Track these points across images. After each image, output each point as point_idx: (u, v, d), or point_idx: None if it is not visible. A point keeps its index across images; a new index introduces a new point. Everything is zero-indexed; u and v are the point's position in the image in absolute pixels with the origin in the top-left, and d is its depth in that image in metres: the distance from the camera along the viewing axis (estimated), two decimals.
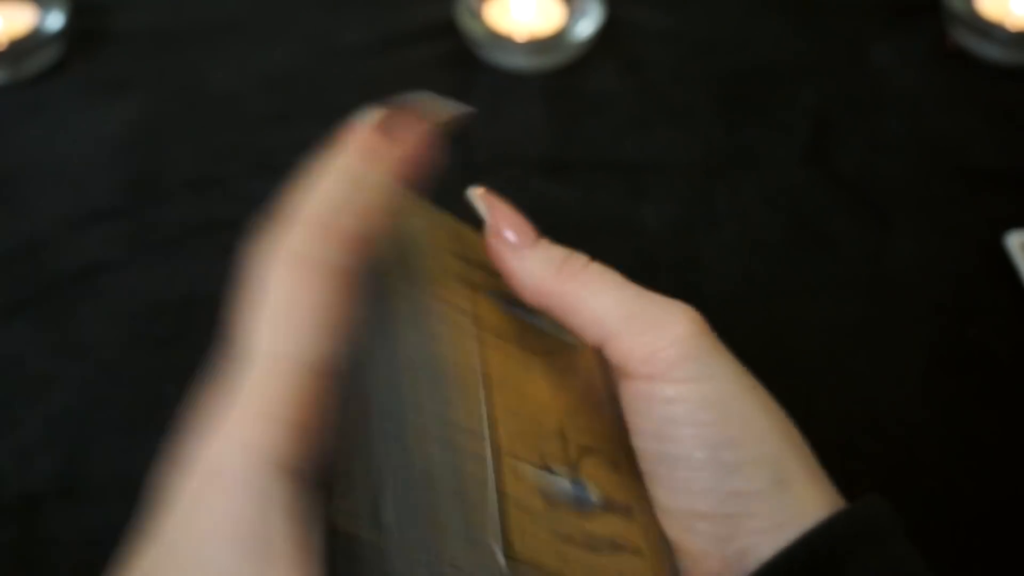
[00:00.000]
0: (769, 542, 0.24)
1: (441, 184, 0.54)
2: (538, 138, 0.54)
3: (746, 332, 0.45)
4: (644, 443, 0.26)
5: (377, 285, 0.27)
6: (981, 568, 0.37)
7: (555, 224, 0.49)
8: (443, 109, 0.28)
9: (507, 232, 0.28)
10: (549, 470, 0.27)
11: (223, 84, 0.57)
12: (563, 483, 0.27)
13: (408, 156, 0.27)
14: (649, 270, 0.48)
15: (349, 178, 0.25)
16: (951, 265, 0.48)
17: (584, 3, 0.59)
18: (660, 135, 0.55)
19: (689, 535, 0.26)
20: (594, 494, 0.27)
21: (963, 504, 0.39)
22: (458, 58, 0.59)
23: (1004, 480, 0.40)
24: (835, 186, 0.52)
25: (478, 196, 0.30)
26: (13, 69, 0.56)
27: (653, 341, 0.25)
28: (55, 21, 0.57)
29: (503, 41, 0.57)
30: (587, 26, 0.58)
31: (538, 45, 0.57)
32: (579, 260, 0.28)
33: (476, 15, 0.59)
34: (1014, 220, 0.49)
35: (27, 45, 0.56)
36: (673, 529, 0.26)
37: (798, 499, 0.25)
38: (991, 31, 0.57)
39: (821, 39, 0.61)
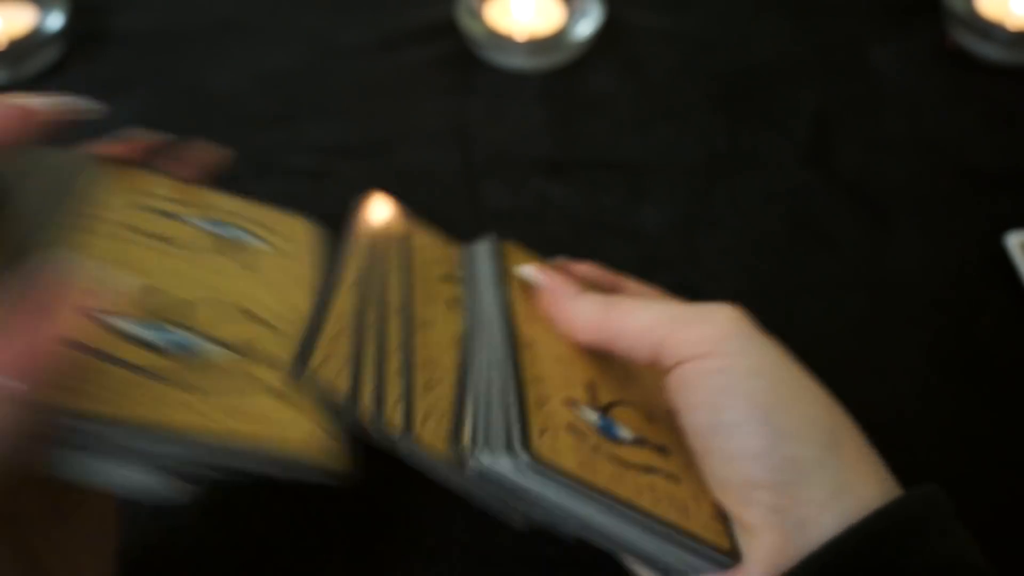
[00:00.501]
0: (829, 512, 0.25)
1: (442, 184, 0.54)
2: (538, 138, 0.54)
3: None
4: (698, 417, 0.28)
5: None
6: None
7: (555, 224, 0.50)
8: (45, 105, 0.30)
9: (560, 288, 0.33)
10: (575, 404, 0.30)
11: (223, 84, 0.57)
12: (591, 414, 0.30)
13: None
14: (649, 270, 0.48)
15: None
16: (951, 265, 0.48)
17: (584, 3, 0.59)
18: (660, 135, 0.55)
19: (748, 507, 0.26)
20: (625, 431, 0.30)
21: (963, 504, 0.39)
22: (458, 58, 0.59)
23: (1005, 480, 0.40)
24: (835, 186, 0.52)
25: (531, 273, 0.35)
26: (13, 69, 0.56)
27: (700, 328, 0.28)
28: (55, 21, 0.57)
29: (503, 41, 0.57)
30: (587, 26, 0.58)
31: (538, 45, 0.57)
32: (618, 296, 0.32)
33: (476, 15, 0.59)
34: (1014, 220, 0.49)
35: (27, 45, 0.56)
36: (732, 502, 0.27)
37: (852, 470, 0.26)
38: (991, 31, 0.57)
39: (821, 39, 0.61)
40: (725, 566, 0.26)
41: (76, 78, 0.58)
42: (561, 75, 0.58)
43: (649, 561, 0.28)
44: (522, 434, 0.27)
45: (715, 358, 0.27)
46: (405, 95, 0.57)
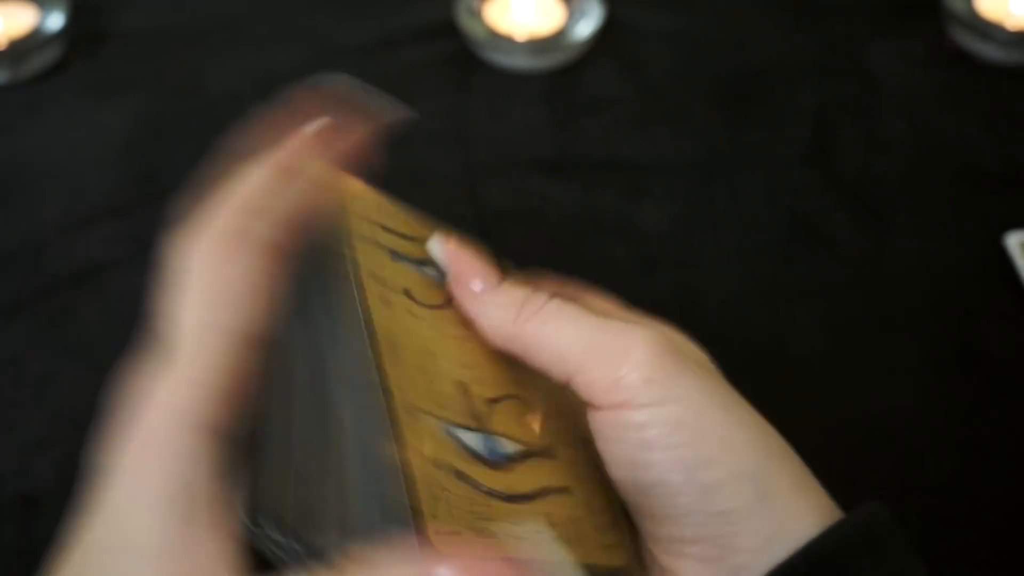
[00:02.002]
0: (762, 559, 0.24)
1: (442, 184, 0.54)
2: (538, 138, 0.54)
3: (746, 332, 0.45)
4: (621, 473, 0.26)
5: (305, 260, 0.27)
6: (981, 567, 0.37)
7: (555, 224, 0.50)
8: (382, 110, 0.29)
9: (469, 281, 0.28)
10: (456, 426, 0.26)
11: (223, 84, 0.57)
12: (471, 437, 0.26)
13: (343, 153, 0.27)
14: (649, 270, 0.48)
15: (279, 168, 0.25)
16: (951, 265, 0.48)
17: (584, 3, 0.59)
18: (660, 135, 0.55)
19: (681, 560, 0.25)
20: (508, 446, 0.27)
21: (963, 504, 0.39)
22: (458, 58, 0.59)
23: (1004, 480, 0.40)
24: (835, 186, 0.52)
25: (439, 247, 0.30)
26: (13, 69, 0.56)
27: (614, 370, 0.25)
28: (55, 21, 0.57)
29: (503, 41, 0.57)
30: (587, 26, 0.58)
31: (538, 45, 0.57)
32: (537, 301, 0.27)
33: (476, 15, 0.59)
34: (1014, 220, 0.49)
35: (27, 45, 0.56)
36: (661, 552, 0.26)
37: (785, 511, 0.24)
38: (991, 31, 0.57)
39: (821, 39, 0.61)
40: None
41: (76, 78, 0.58)
42: (561, 75, 0.58)
43: None
44: (413, 518, 0.22)
45: (632, 411, 0.25)
46: (405, 95, 0.57)
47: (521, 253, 0.43)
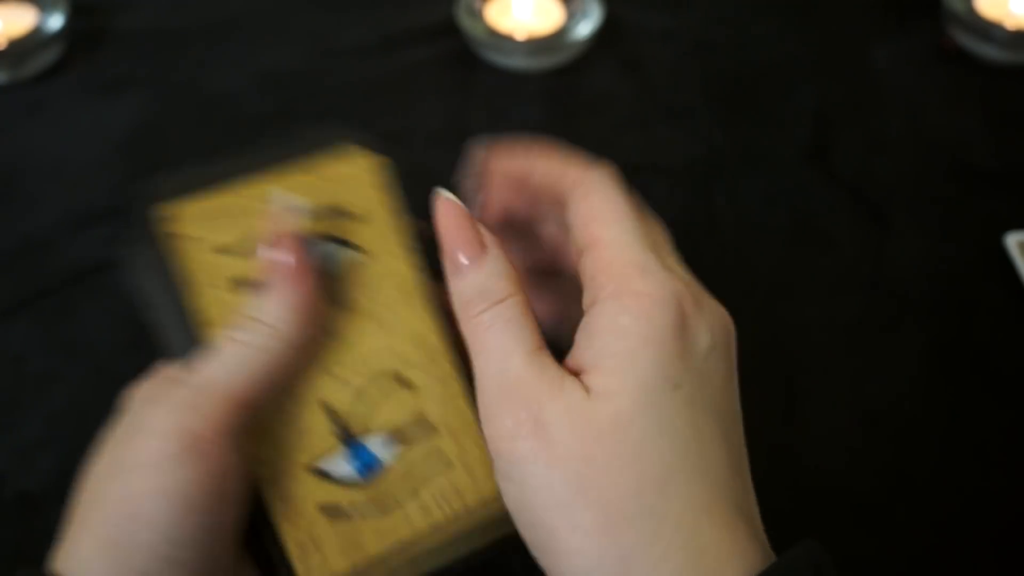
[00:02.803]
0: None
1: (442, 184, 0.54)
2: (538, 138, 0.54)
3: (746, 332, 0.45)
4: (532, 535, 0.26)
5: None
6: (981, 567, 0.37)
7: None
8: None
9: (453, 250, 0.28)
10: (320, 459, 0.28)
11: (223, 84, 0.57)
12: (341, 462, 0.28)
13: None
14: None
15: None
16: (951, 265, 0.48)
17: (584, 3, 0.59)
18: (660, 135, 0.55)
19: None
20: (380, 448, 0.28)
21: (963, 503, 0.39)
22: (458, 58, 0.59)
23: (1004, 479, 0.40)
24: (835, 186, 0.52)
25: (443, 202, 0.29)
26: (13, 69, 0.56)
27: (500, 427, 0.25)
28: (55, 21, 0.57)
29: (503, 41, 0.57)
30: (587, 26, 0.58)
31: (538, 45, 0.57)
32: (489, 298, 0.27)
33: (476, 15, 0.59)
34: (1013, 220, 0.49)
35: (27, 45, 0.56)
36: None
37: (708, 560, 0.24)
38: (990, 31, 0.57)
39: (821, 39, 0.61)
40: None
41: (76, 78, 0.58)
42: (561, 75, 0.58)
43: None
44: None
45: (507, 484, 0.25)
46: (405, 95, 0.57)
47: None
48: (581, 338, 0.26)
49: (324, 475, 0.28)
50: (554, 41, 0.58)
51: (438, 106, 0.56)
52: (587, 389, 0.25)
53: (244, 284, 0.29)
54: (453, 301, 0.28)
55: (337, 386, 0.29)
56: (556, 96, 0.57)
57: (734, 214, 0.50)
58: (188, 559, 0.25)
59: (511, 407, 0.25)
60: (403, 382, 0.29)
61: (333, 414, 0.29)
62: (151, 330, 0.30)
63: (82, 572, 0.24)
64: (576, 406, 0.25)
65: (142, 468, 0.24)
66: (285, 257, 0.28)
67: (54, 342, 0.45)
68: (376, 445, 0.29)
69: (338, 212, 0.31)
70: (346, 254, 0.31)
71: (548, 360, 0.26)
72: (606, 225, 0.28)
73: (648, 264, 0.27)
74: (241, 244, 0.30)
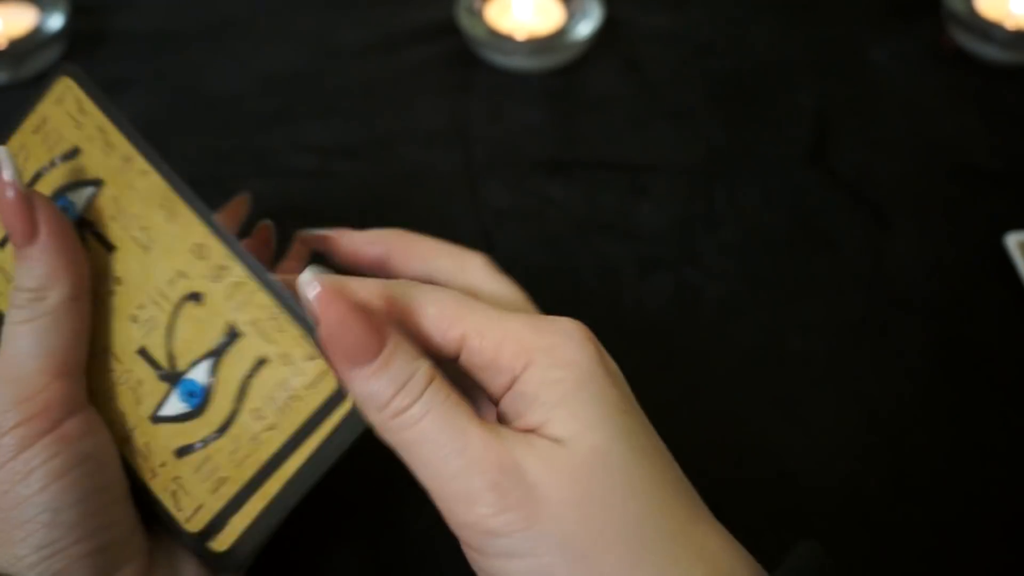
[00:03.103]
0: None
1: (442, 184, 0.54)
2: (538, 138, 0.54)
3: (746, 332, 0.45)
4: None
5: None
6: (982, 567, 0.37)
7: (555, 224, 0.50)
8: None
9: (344, 355, 0.24)
10: (156, 407, 0.29)
11: (223, 84, 0.57)
12: (170, 403, 0.29)
13: None
14: (649, 270, 0.48)
15: None
16: (951, 265, 0.48)
17: (584, 3, 0.59)
18: (660, 135, 0.55)
19: None
20: (201, 373, 0.29)
21: (963, 504, 0.39)
22: (458, 58, 0.59)
23: (1004, 479, 0.40)
24: (835, 186, 0.52)
25: (307, 287, 0.24)
26: (13, 69, 0.56)
27: (469, 510, 0.24)
28: (55, 21, 0.57)
29: (503, 41, 0.57)
30: (587, 26, 0.58)
31: (538, 45, 0.57)
32: (408, 396, 0.24)
33: (476, 15, 0.59)
34: (1014, 220, 0.49)
35: (27, 45, 0.56)
36: None
37: None
38: (990, 31, 0.57)
39: (821, 39, 0.61)
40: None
41: None
42: (561, 75, 0.58)
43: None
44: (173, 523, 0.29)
45: (480, 558, 0.24)
46: (405, 95, 0.57)
47: (521, 253, 0.43)
48: (516, 406, 0.25)
49: (164, 420, 0.29)
50: (554, 41, 0.58)
51: (438, 106, 0.56)
52: (551, 439, 0.24)
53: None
54: (361, 404, 0.25)
55: (145, 330, 0.29)
56: (556, 96, 0.57)
57: (734, 214, 0.50)
58: (78, 520, 0.26)
59: (487, 480, 0.23)
60: (200, 300, 0.29)
61: (152, 360, 0.29)
62: None
63: None
64: (553, 455, 0.24)
65: (2, 467, 0.26)
66: (12, 221, 0.28)
67: None
68: (199, 373, 0.29)
69: (64, 155, 0.31)
70: (86, 193, 0.30)
71: (498, 425, 0.25)
72: (465, 320, 0.26)
73: (530, 321, 0.26)
74: None
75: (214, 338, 0.29)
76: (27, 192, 0.28)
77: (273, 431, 0.28)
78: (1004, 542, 0.38)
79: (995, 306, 0.46)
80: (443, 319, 0.26)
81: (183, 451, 0.29)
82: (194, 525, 0.29)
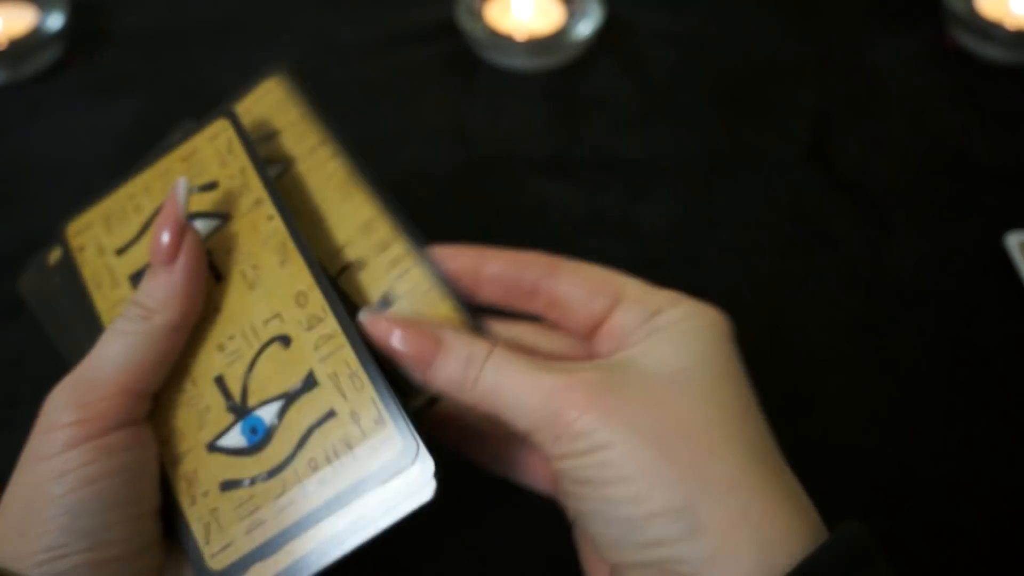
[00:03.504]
0: None
1: (442, 184, 0.54)
2: (538, 138, 0.54)
3: (746, 332, 0.45)
4: (570, 503, 0.28)
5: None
6: (982, 568, 0.37)
7: (555, 224, 0.50)
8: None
9: (405, 353, 0.28)
10: (216, 437, 0.29)
11: (222, 84, 0.57)
12: (231, 436, 0.29)
13: None
14: (649, 270, 0.47)
15: None
16: (951, 265, 0.48)
17: (584, 3, 0.59)
18: (660, 135, 0.55)
19: None
20: (268, 414, 0.29)
21: (963, 504, 0.39)
22: (458, 58, 0.59)
23: (1004, 479, 0.40)
24: (835, 186, 0.52)
25: (371, 325, 0.29)
26: (13, 69, 0.56)
27: (555, 426, 0.26)
28: (55, 21, 0.57)
29: (503, 41, 0.57)
30: (587, 26, 0.58)
31: (538, 45, 0.57)
32: (478, 359, 0.28)
33: (476, 15, 0.59)
34: (1014, 220, 0.49)
35: (27, 45, 0.56)
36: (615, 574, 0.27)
37: (716, 546, 0.24)
38: (990, 31, 0.57)
39: (821, 39, 0.61)
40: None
41: (76, 78, 0.58)
42: (561, 75, 0.58)
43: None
44: (198, 559, 0.28)
45: (571, 459, 0.26)
46: (405, 95, 0.57)
47: None
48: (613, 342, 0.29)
49: (221, 450, 0.29)
50: (554, 41, 0.58)
51: (438, 106, 0.56)
52: (632, 359, 0.27)
53: (144, 274, 0.31)
54: (447, 392, 0.28)
55: (228, 360, 0.30)
56: (556, 96, 0.57)
57: (734, 214, 0.50)
58: (93, 529, 0.26)
59: (567, 402, 0.26)
60: (288, 344, 0.30)
61: (225, 390, 0.30)
62: (65, 350, 0.33)
63: None
64: (631, 367, 0.27)
65: (45, 459, 0.27)
66: (161, 240, 0.29)
67: (54, 343, 0.45)
68: (267, 412, 0.29)
69: (203, 186, 0.32)
70: (213, 224, 0.32)
71: (574, 362, 0.28)
72: (620, 279, 0.30)
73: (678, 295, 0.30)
74: (136, 238, 0.32)
75: (291, 382, 0.29)
76: (184, 223, 0.29)
77: (323, 485, 0.28)
78: (1005, 541, 0.38)
79: (995, 306, 0.46)
80: (594, 280, 0.30)
81: (229, 485, 0.29)
82: (218, 563, 0.28)
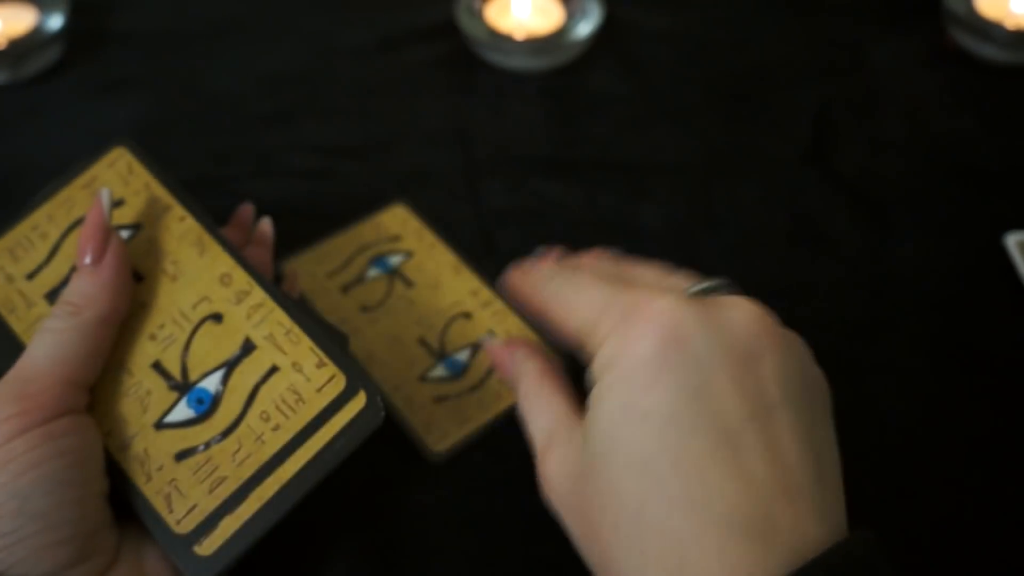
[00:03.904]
0: None
1: (442, 184, 0.54)
2: (538, 138, 0.54)
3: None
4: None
5: None
6: (982, 568, 0.37)
7: (555, 224, 0.50)
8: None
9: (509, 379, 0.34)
10: (164, 414, 0.31)
11: (223, 84, 0.57)
12: (178, 410, 0.31)
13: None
14: None
15: None
16: (951, 265, 0.48)
17: (584, 3, 0.59)
18: (660, 135, 0.55)
19: None
20: (211, 383, 0.31)
21: (963, 504, 0.39)
22: (458, 58, 0.59)
23: (1004, 479, 0.40)
24: (835, 186, 0.52)
25: (494, 351, 0.35)
26: (13, 69, 0.56)
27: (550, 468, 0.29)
28: (55, 21, 0.57)
29: (503, 41, 0.57)
30: (587, 26, 0.58)
31: (538, 45, 0.57)
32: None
33: (476, 15, 0.59)
34: (1014, 220, 0.49)
35: (27, 45, 0.56)
36: None
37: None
38: (990, 31, 0.57)
39: (821, 39, 0.61)
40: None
41: (76, 78, 0.58)
42: (561, 75, 0.58)
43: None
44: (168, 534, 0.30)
45: (551, 495, 0.29)
46: (405, 95, 0.57)
47: (521, 253, 0.43)
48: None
49: (169, 425, 0.31)
50: (554, 41, 0.58)
51: (438, 106, 0.56)
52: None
53: (59, 289, 0.33)
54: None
55: (163, 347, 0.32)
56: (556, 96, 0.57)
57: (733, 214, 0.50)
58: (44, 510, 0.27)
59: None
60: (220, 320, 0.32)
61: (164, 372, 0.32)
62: None
63: None
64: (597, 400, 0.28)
65: None
66: (88, 243, 0.31)
67: None
68: (210, 383, 0.31)
69: (114, 203, 0.35)
70: (124, 236, 0.34)
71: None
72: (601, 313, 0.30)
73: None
74: (46, 261, 0.34)
75: (229, 351, 0.32)
76: (109, 224, 0.32)
77: (278, 431, 0.30)
78: (1005, 541, 0.38)
79: (995, 306, 0.46)
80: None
81: (184, 454, 0.30)
82: (184, 526, 0.29)
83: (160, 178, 0.35)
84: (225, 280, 0.33)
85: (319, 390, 0.30)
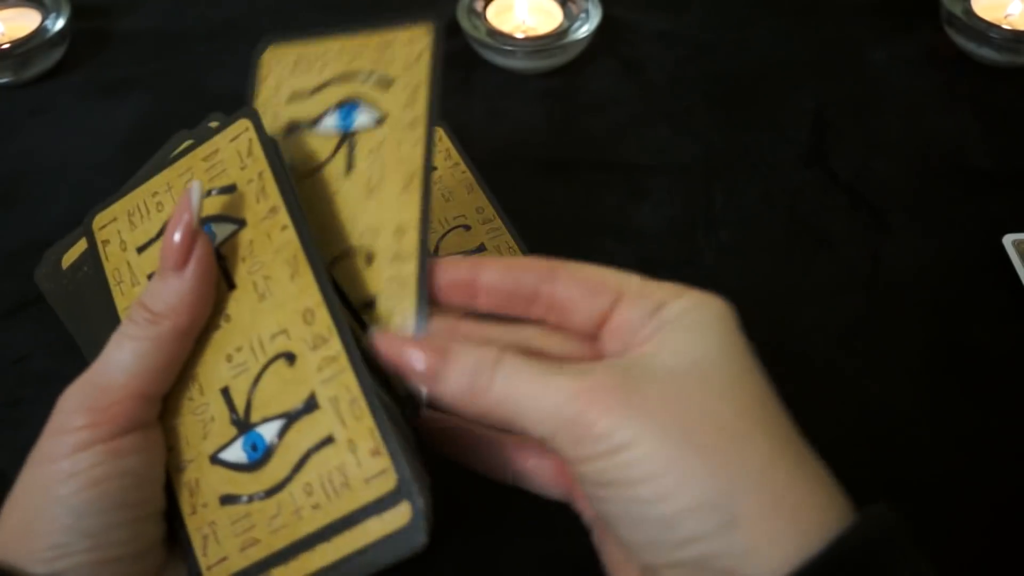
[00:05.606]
0: None
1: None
2: (538, 138, 0.54)
3: (745, 332, 0.45)
4: (594, 507, 0.27)
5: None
6: (982, 567, 0.37)
7: (555, 224, 0.50)
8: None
9: (411, 365, 0.28)
10: (218, 450, 0.29)
11: (224, 84, 0.58)
12: (232, 451, 0.29)
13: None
14: (649, 270, 0.48)
15: None
16: (950, 265, 0.48)
17: (583, 4, 0.59)
18: (660, 135, 0.55)
19: None
20: (270, 432, 0.29)
21: (962, 504, 0.39)
22: (458, 58, 0.59)
23: (1003, 480, 0.40)
24: (834, 186, 0.52)
25: (378, 342, 0.28)
26: (16, 70, 0.57)
27: (575, 428, 0.25)
28: (57, 23, 0.57)
29: (503, 41, 0.57)
30: (586, 26, 0.58)
31: (538, 45, 0.57)
32: (485, 367, 0.27)
33: (477, 16, 0.59)
34: (1012, 221, 0.49)
35: (29, 46, 0.56)
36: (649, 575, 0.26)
37: (753, 538, 0.24)
38: (988, 33, 0.57)
39: (820, 40, 0.61)
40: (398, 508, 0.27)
41: (78, 79, 0.58)
42: (561, 75, 0.58)
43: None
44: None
45: (594, 461, 0.25)
46: None
47: (520, 253, 0.43)
48: (623, 339, 0.28)
49: (222, 463, 0.29)
50: (554, 41, 0.58)
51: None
52: (649, 354, 0.26)
53: None
54: (455, 405, 0.27)
55: (235, 373, 0.30)
56: (556, 96, 0.57)
57: (734, 214, 0.50)
58: (97, 530, 0.27)
59: (584, 399, 0.25)
60: (293, 362, 0.30)
61: (230, 402, 0.30)
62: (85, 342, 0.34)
63: (3, 554, 0.27)
64: (648, 365, 0.26)
65: (54, 461, 0.27)
66: (172, 245, 0.29)
67: (56, 342, 0.45)
68: (268, 430, 0.29)
69: (221, 189, 0.32)
70: (228, 229, 0.31)
71: (588, 363, 0.27)
72: (618, 276, 0.30)
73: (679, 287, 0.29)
74: (157, 237, 0.32)
75: (293, 402, 0.29)
76: (196, 228, 0.29)
77: (316, 511, 0.28)
78: (1005, 541, 0.38)
79: (994, 306, 0.46)
80: (592, 280, 0.30)
81: (228, 499, 0.29)
82: (212, 575, 0.29)
83: (274, 170, 0.32)
84: (308, 317, 0.29)
85: (367, 481, 0.28)
